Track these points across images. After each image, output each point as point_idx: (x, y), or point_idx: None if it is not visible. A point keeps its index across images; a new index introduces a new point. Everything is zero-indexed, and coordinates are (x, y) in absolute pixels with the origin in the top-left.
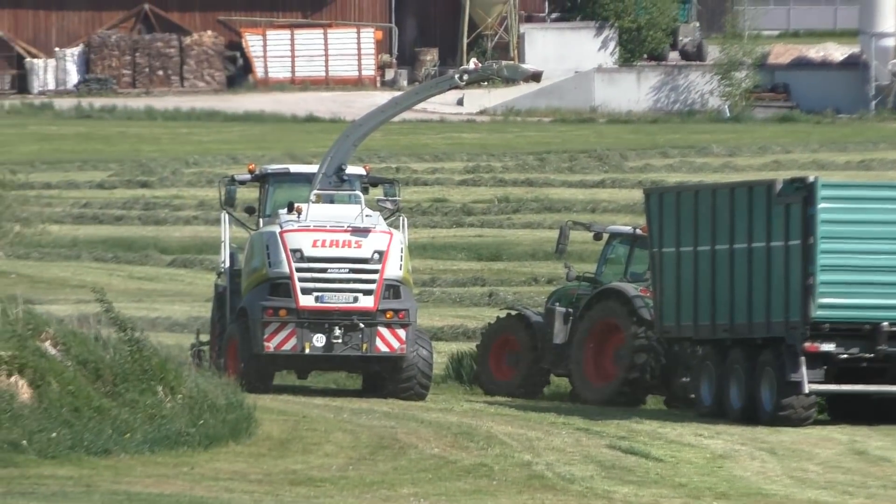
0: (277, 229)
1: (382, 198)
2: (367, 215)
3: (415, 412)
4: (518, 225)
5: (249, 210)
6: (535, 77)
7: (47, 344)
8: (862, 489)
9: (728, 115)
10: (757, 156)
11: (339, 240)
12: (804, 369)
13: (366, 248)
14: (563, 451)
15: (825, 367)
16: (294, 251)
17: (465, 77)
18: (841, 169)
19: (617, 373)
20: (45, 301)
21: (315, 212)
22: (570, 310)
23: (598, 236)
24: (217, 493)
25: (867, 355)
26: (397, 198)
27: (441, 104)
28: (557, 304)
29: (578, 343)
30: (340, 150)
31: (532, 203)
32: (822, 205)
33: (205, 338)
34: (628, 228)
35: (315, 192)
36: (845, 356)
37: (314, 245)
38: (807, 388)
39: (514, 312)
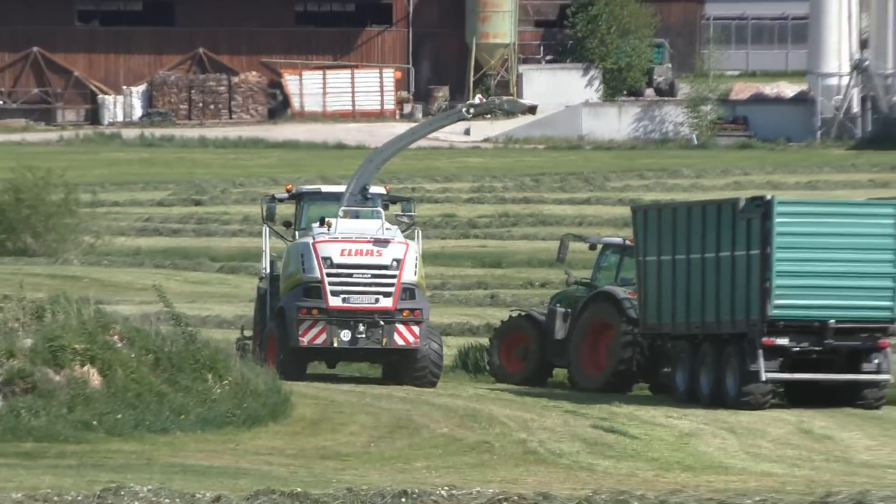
0: (311, 240)
1: (400, 213)
2: (387, 228)
3: (427, 397)
4: (516, 237)
5: (287, 224)
6: (531, 110)
7: (115, 338)
8: (808, 462)
9: (696, 142)
10: (720, 177)
11: (363, 249)
12: (762, 360)
13: (386, 256)
14: (553, 431)
15: (781, 359)
16: (325, 259)
17: (472, 110)
18: (792, 188)
19: (608, 364)
20: (112, 302)
21: (343, 225)
22: (569, 310)
23: (592, 247)
24: (258, 466)
25: (816, 348)
26: (413, 213)
27: (451, 133)
28: (558, 305)
29: (576, 338)
30: (365, 173)
31: (528, 218)
32: (777, 219)
33: (248, 333)
34: (619, 240)
35: (343, 208)
36: (797, 349)
37: (342, 254)
38: (764, 376)
39: (523, 313)
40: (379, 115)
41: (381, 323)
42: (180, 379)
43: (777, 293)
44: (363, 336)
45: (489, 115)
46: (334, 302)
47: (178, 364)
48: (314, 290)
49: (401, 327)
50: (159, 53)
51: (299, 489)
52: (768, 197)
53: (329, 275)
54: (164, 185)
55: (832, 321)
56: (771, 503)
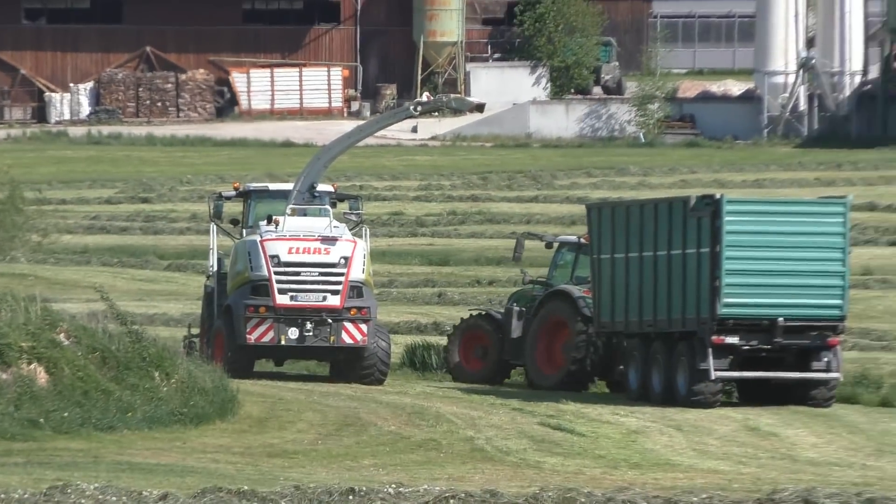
0: (258, 238)
1: (348, 211)
2: (334, 226)
3: (375, 395)
4: (464, 235)
5: (234, 222)
6: (479, 108)
7: (62, 336)
8: (753, 460)
9: (643, 140)
10: (667, 175)
11: (310, 247)
12: (711, 359)
13: (333, 254)
14: (500, 428)
15: (731, 357)
16: (272, 257)
17: (419, 108)
18: (738, 186)
19: (564, 363)
20: (60, 300)
21: (290, 223)
22: (525, 308)
23: (549, 245)
24: (205, 464)
25: (766, 346)
26: (361, 211)
27: (398, 131)
28: (515, 304)
29: (532, 337)
30: (312, 171)
31: (476, 216)
32: (727, 218)
33: (195, 331)
34: (574, 238)
35: (290, 206)
36: (747, 347)
37: (289, 252)
38: (713, 374)
39: (482, 312)
40: (327, 113)
41: (329, 321)
42: (127, 377)
43: (726, 291)
44: (311, 334)
45: (437, 113)
46: (282, 300)
47: (125, 362)
48: (262, 287)
49: (349, 325)
50: (107, 51)
51: (246, 487)
52: (718, 196)
53: (277, 273)
54: (112, 182)
55: (781, 319)
56: (717, 500)
